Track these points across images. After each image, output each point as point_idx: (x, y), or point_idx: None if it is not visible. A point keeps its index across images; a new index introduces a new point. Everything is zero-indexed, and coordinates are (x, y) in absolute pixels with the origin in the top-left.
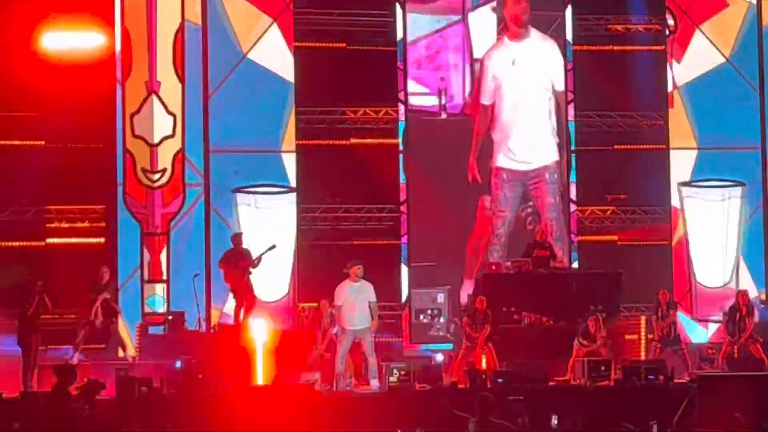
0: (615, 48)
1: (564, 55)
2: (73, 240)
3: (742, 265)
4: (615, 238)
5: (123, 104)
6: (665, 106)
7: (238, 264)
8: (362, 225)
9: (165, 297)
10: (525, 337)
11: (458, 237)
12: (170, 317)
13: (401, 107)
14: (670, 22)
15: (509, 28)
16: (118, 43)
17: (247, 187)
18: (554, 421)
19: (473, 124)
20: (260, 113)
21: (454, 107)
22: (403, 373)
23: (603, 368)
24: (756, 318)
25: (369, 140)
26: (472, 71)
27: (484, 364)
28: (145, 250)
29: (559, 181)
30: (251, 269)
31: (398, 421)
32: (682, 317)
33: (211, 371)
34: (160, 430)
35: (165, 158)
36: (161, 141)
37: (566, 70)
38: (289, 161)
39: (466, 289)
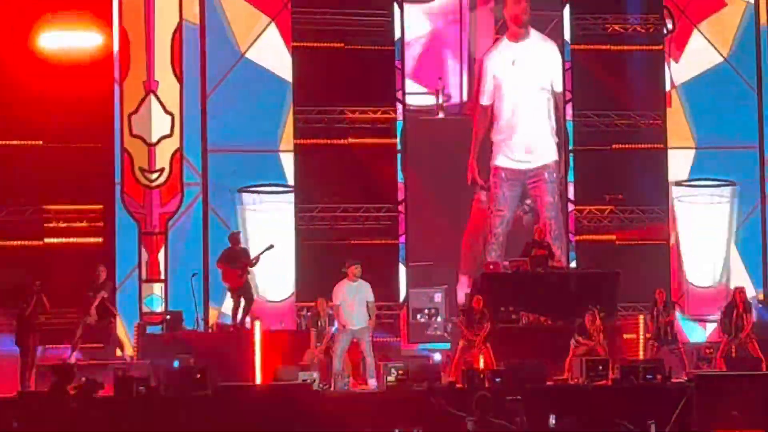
0: (613, 48)
1: (562, 54)
2: (71, 240)
3: (740, 265)
4: (613, 237)
5: (121, 104)
6: (663, 106)
7: (236, 263)
8: (360, 224)
9: (163, 296)
10: (523, 337)
11: (456, 237)
12: (168, 317)
13: (399, 107)
14: (669, 25)
15: (509, 28)
16: (116, 42)
17: (251, 186)
18: (552, 420)
19: (472, 125)
20: (258, 113)
21: (451, 107)
22: (401, 372)
23: (601, 368)
24: (754, 317)
25: (367, 140)
26: (470, 71)
27: (481, 364)
28: (143, 250)
29: (558, 181)
30: (249, 268)
31: (396, 420)
32: (680, 317)
33: (209, 371)
34: (158, 430)
35: (163, 158)
36: (159, 140)
37: (564, 70)
38: (287, 161)
39: (463, 286)
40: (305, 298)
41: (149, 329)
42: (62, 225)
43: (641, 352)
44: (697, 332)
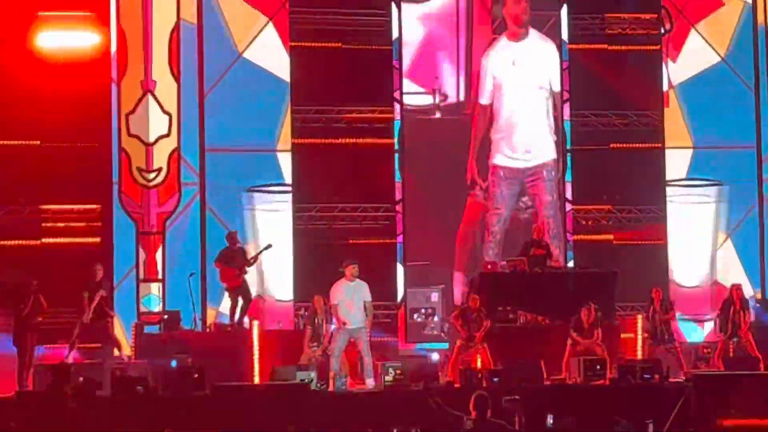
0: (610, 47)
1: (559, 54)
2: (69, 239)
3: (738, 265)
4: (610, 237)
5: (118, 103)
6: (661, 106)
7: (234, 263)
8: (358, 224)
9: (161, 296)
10: (521, 336)
11: (454, 236)
12: (166, 316)
13: (397, 107)
14: (667, 25)
15: (508, 27)
16: (114, 42)
17: (259, 186)
18: (550, 420)
19: (471, 125)
20: (256, 112)
21: (448, 107)
22: (398, 372)
23: (598, 367)
24: (752, 317)
25: (365, 140)
26: (467, 71)
27: (479, 364)
28: (141, 250)
29: (556, 179)
30: (247, 268)
31: (394, 420)
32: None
33: (206, 371)
34: (155, 430)
35: (160, 157)
36: (157, 140)
37: (561, 69)
38: (285, 160)
39: (457, 283)
40: (303, 297)
41: (147, 329)
42: (60, 225)
43: (639, 352)
44: (695, 332)
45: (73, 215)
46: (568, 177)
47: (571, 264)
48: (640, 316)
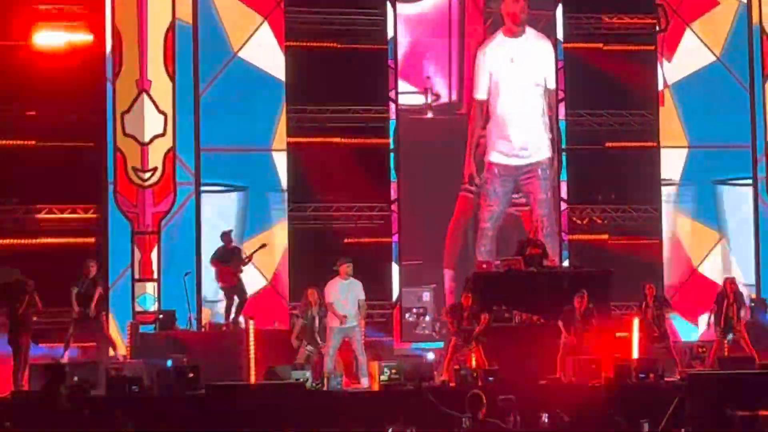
0: (605, 46)
1: (555, 52)
2: (64, 239)
3: (736, 265)
4: (605, 236)
5: (114, 103)
6: (656, 105)
7: (230, 262)
8: (353, 223)
9: (156, 296)
10: (516, 336)
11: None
12: (161, 316)
13: (392, 106)
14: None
15: (506, 24)
16: (109, 41)
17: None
18: (545, 419)
19: (467, 123)
20: (251, 112)
21: (441, 106)
22: (393, 371)
23: (594, 367)
24: (748, 315)
25: (360, 139)
26: (459, 70)
27: (473, 363)
28: (136, 249)
29: (551, 177)
30: (242, 267)
31: (389, 419)
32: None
33: (201, 370)
34: (150, 430)
35: (156, 157)
36: (152, 140)
37: (557, 69)
38: (280, 160)
39: (447, 279)
40: (298, 297)
41: (142, 328)
42: (55, 224)
43: (634, 351)
44: (693, 331)
45: (69, 215)
46: (564, 176)
47: (566, 263)
48: (636, 318)
